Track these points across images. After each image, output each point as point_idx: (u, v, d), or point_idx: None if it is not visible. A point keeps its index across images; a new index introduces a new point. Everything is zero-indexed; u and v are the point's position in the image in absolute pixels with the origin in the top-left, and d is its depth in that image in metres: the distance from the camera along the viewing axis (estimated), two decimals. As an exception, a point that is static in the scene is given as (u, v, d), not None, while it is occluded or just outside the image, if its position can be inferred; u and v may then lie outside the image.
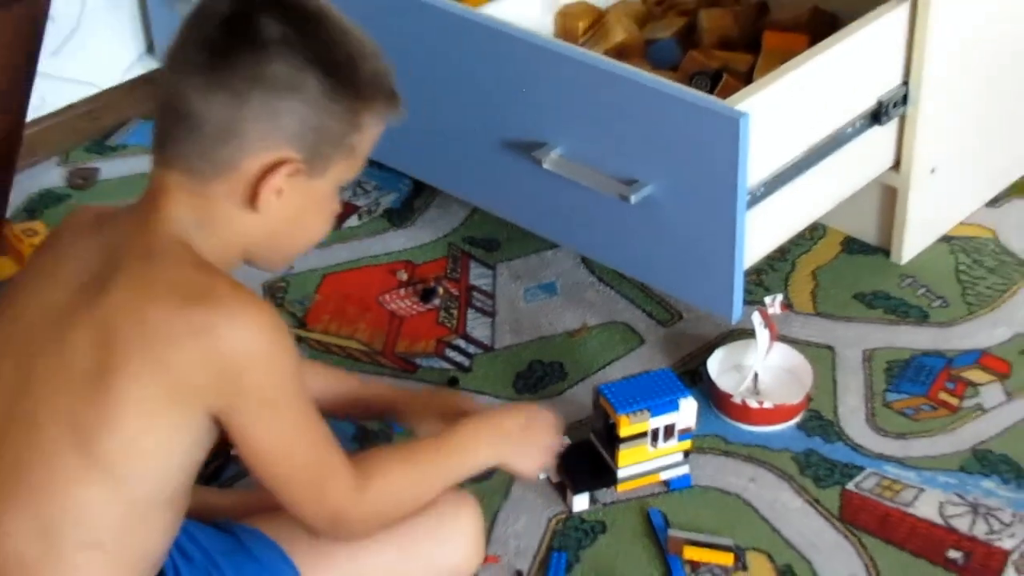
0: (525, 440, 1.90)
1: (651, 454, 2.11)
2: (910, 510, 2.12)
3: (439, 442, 1.82)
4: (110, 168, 2.87)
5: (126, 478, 1.55)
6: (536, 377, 2.35)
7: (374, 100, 1.61)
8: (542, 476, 2.15)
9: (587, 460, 2.13)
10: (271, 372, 1.57)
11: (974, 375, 2.34)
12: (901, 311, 2.47)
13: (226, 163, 1.56)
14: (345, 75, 1.58)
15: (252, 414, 1.58)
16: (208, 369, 1.53)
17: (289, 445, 1.62)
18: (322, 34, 1.58)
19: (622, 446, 2.08)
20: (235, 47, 1.54)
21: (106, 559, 1.58)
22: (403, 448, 1.82)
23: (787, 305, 2.48)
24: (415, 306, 2.51)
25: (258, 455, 1.61)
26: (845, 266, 2.57)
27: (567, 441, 2.11)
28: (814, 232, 2.63)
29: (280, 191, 1.58)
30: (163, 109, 1.59)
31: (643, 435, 2.09)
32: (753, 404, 2.23)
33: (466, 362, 2.39)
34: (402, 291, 2.54)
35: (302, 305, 2.50)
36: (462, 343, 2.43)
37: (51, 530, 1.56)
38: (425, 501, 1.77)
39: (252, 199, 1.58)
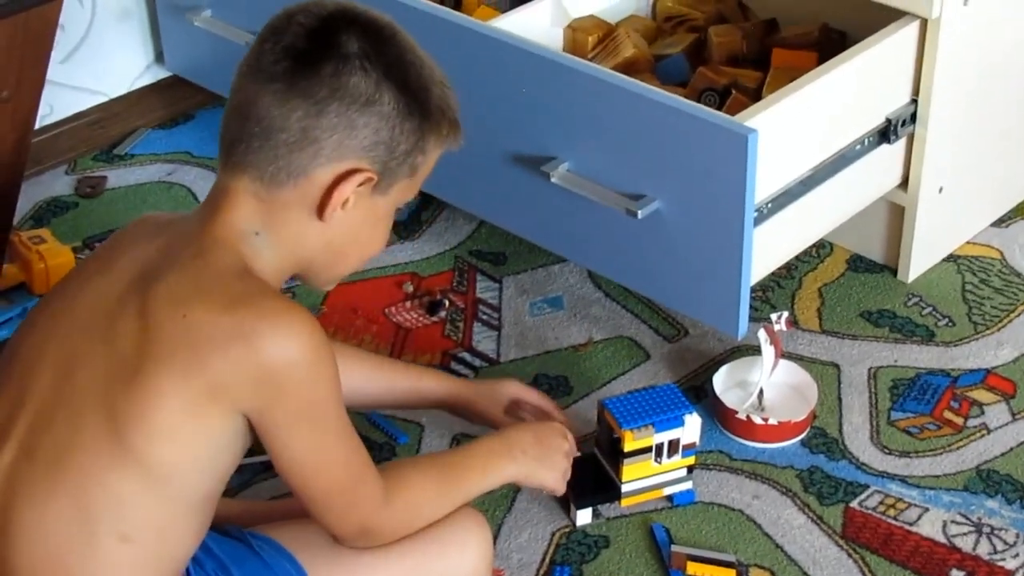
0: (543, 452, 1.94)
1: (655, 469, 2.11)
2: (913, 529, 2.11)
3: (460, 457, 1.87)
4: (118, 177, 2.87)
5: (157, 472, 1.57)
6: (541, 391, 2.34)
7: (440, 124, 1.66)
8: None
9: (591, 474, 2.13)
10: (311, 383, 1.59)
11: (979, 395, 2.34)
12: (907, 329, 2.47)
13: (299, 170, 1.59)
14: (417, 95, 1.62)
15: (289, 425, 1.60)
16: (247, 374, 1.55)
17: (324, 458, 1.64)
18: (398, 53, 1.62)
19: (626, 461, 2.08)
20: (317, 57, 1.58)
21: (135, 554, 1.59)
22: (427, 461, 1.87)
23: (793, 322, 2.48)
24: (421, 318, 2.51)
25: (292, 466, 1.63)
26: (851, 284, 2.57)
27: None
28: (820, 249, 2.63)
29: (347, 202, 1.61)
30: (234, 114, 1.62)
31: (647, 450, 2.09)
32: (758, 421, 2.23)
33: (471, 375, 2.39)
34: (408, 303, 2.54)
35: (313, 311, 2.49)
36: (468, 356, 2.43)
37: (88, 518, 1.57)
38: (444, 514, 1.81)
39: (320, 208, 1.61)
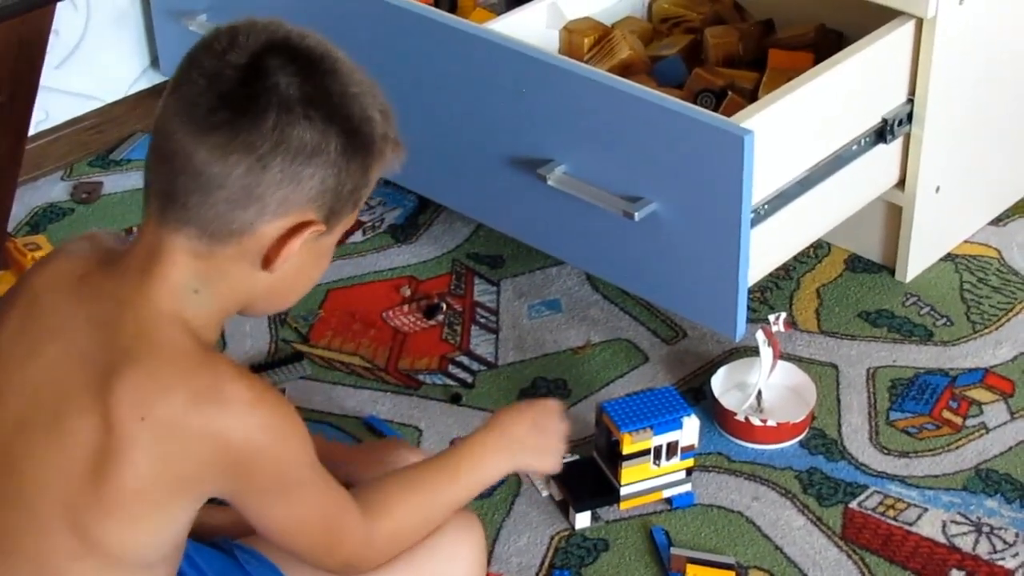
0: (539, 441, 1.88)
1: (654, 472, 2.11)
2: (913, 529, 2.11)
3: (452, 461, 1.80)
4: (114, 182, 2.87)
5: (120, 555, 1.53)
6: (540, 394, 2.34)
7: (384, 151, 1.57)
8: (545, 494, 2.15)
9: (590, 477, 2.13)
10: (279, 463, 1.55)
11: (978, 394, 2.34)
12: (905, 329, 2.47)
13: (242, 228, 1.50)
14: (361, 130, 1.53)
15: (261, 500, 1.58)
16: (214, 465, 1.51)
17: (301, 519, 1.61)
18: (339, 89, 1.52)
19: (625, 464, 2.08)
20: (257, 109, 1.47)
21: None
22: (412, 476, 1.78)
23: (791, 323, 2.47)
24: (419, 322, 2.50)
25: (270, 531, 1.61)
26: (849, 284, 2.57)
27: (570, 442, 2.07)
28: (818, 250, 2.63)
29: (296, 252, 1.53)
30: (165, 163, 1.50)
31: (646, 453, 2.08)
32: (756, 422, 2.23)
33: (469, 379, 2.39)
34: (406, 307, 2.54)
35: (306, 321, 2.49)
36: (466, 360, 2.43)
37: None
38: (438, 524, 1.77)
39: (267, 262, 1.53)
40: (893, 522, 2.12)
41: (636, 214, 2.16)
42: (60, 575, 1.54)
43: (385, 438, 2.23)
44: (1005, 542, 2.09)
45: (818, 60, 2.35)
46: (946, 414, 2.30)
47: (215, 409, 1.49)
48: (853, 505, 2.15)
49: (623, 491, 2.11)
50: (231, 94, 1.47)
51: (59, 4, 2.30)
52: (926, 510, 2.14)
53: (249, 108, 1.47)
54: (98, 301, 1.54)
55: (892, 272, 2.58)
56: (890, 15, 2.33)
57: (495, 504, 2.14)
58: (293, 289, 1.61)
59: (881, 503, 2.15)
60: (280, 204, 1.49)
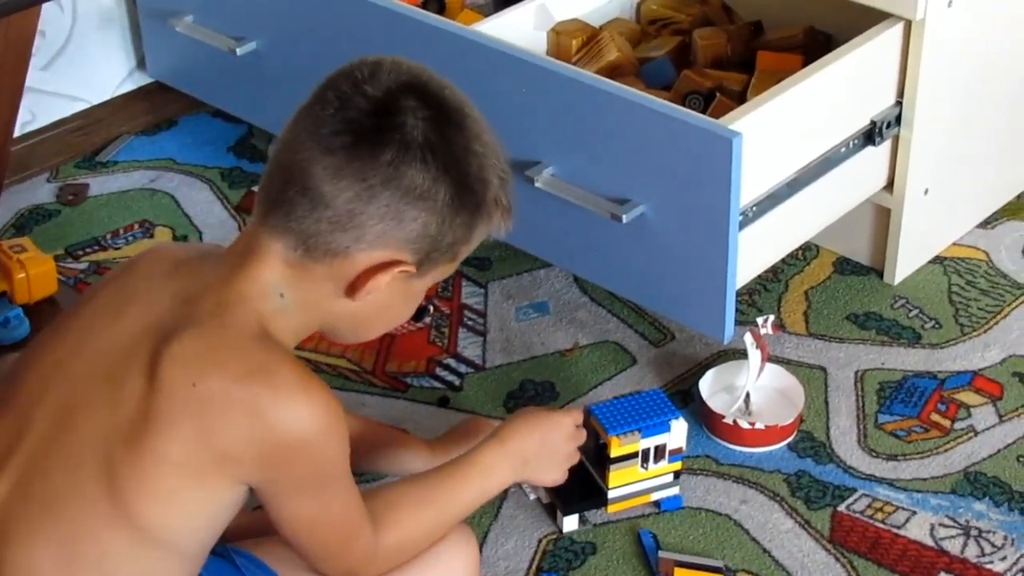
0: (544, 458, 1.93)
1: (642, 475, 2.10)
2: (901, 532, 2.11)
3: (460, 473, 1.84)
4: (100, 184, 2.86)
5: (151, 533, 1.55)
6: (527, 397, 2.34)
7: (492, 215, 1.62)
8: (532, 497, 2.14)
9: (577, 481, 2.11)
10: (319, 458, 1.57)
11: (966, 397, 2.33)
12: (893, 332, 2.46)
13: (337, 250, 1.54)
14: (474, 189, 1.58)
15: (292, 493, 1.59)
16: (256, 447, 1.52)
17: (320, 517, 1.63)
18: (463, 143, 1.56)
19: (613, 467, 2.08)
20: (378, 140, 1.52)
21: None
22: (418, 486, 1.81)
23: (779, 326, 2.47)
24: (406, 325, 2.50)
25: (287, 523, 1.62)
26: (837, 287, 2.56)
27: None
28: (806, 252, 2.63)
29: (381, 287, 1.57)
30: (280, 172, 1.56)
31: (634, 456, 2.08)
32: (744, 425, 2.22)
33: (457, 381, 2.38)
34: (393, 309, 2.53)
35: (292, 323, 2.48)
36: (453, 362, 2.42)
37: (73, 564, 1.55)
38: (440, 537, 1.79)
39: (352, 289, 1.57)
40: (881, 525, 2.12)
41: (624, 216, 2.15)
42: (94, 541, 1.55)
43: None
44: (994, 545, 2.09)
45: (807, 62, 2.34)
46: (934, 417, 2.30)
47: (265, 390, 1.51)
48: (841, 508, 2.15)
49: (611, 494, 2.10)
50: (357, 121, 1.53)
51: (45, 5, 2.29)
52: (914, 513, 2.14)
53: (371, 139, 1.52)
54: (187, 281, 1.59)
55: (881, 274, 2.57)
56: (879, 17, 2.32)
57: (482, 508, 2.12)
58: (375, 323, 1.65)
59: (869, 506, 2.15)
60: (378, 236, 1.54)
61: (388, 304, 1.62)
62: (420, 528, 1.76)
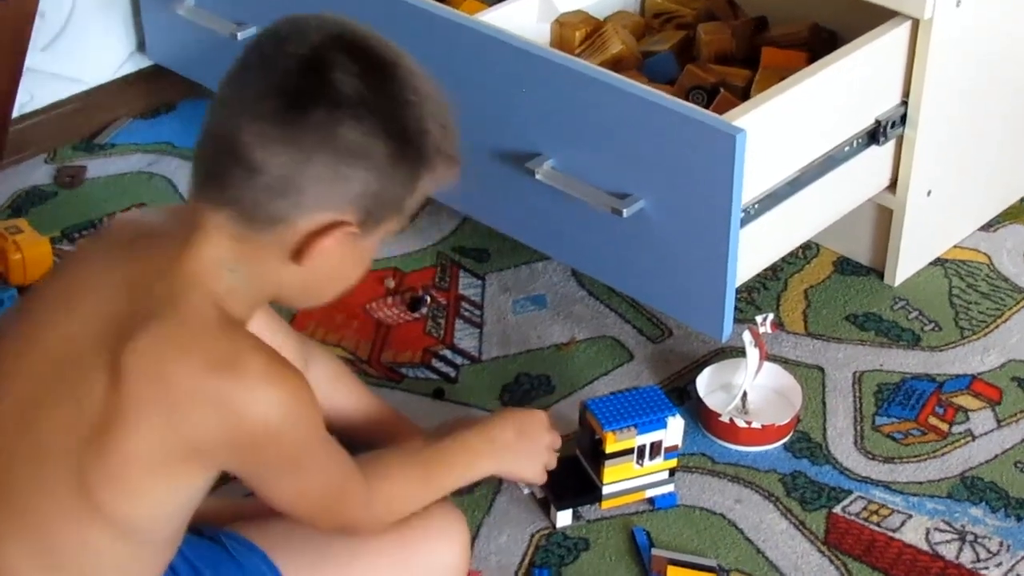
0: (524, 448, 1.94)
1: (637, 471, 2.09)
2: (896, 535, 2.10)
3: (442, 448, 1.86)
4: (98, 167, 2.84)
5: (125, 525, 1.54)
6: (523, 390, 2.33)
7: (435, 166, 1.57)
8: (526, 491, 2.13)
9: (572, 476, 2.11)
10: (291, 443, 1.56)
11: (965, 400, 2.32)
12: (893, 334, 2.45)
13: (278, 216, 1.50)
14: (413, 140, 1.52)
15: (269, 476, 1.59)
16: (225, 438, 1.51)
17: (304, 491, 1.62)
18: (396, 93, 1.51)
19: (607, 463, 2.06)
20: (308, 102, 1.47)
21: None
22: (409, 454, 1.84)
23: (778, 325, 2.46)
24: (403, 315, 2.49)
25: (273, 500, 1.62)
26: (837, 287, 2.55)
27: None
28: (807, 251, 2.61)
29: (327, 249, 1.53)
30: (215, 144, 1.52)
31: (629, 452, 2.07)
32: (741, 424, 2.21)
33: (452, 373, 2.37)
34: (390, 300, 2.52)
35: (288, 312, 2.47)
36: (449, 353, 2.41)
37: (51, 560, 1.54)
38: (425, 503, 1.81)
39: (298, 255, 1.53)
40: (876, 528, 2.11)
41: (624, 211, 2.14)
42: (67, 539, 1.54)
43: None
44: (989, 551, 2.07)
45: (812, 59, 2.33)
46: (932, 420, 2.29)
47: (230, 378, 1.49)
48: (837, 510, 2.13)
49: (605, 490, 2.09)
50: (283, 83, 1.48)
51: (45, -14, 2.28)
52: (910, 517, 2.12)
53: (299, 100, 1.47)
54: (137, 265, 1.55)
55: (881, 275, 2.56)
56: (886, 15, 2.31)
57: (476, 501, 2.12)
58: (327, 286, 1.61)
59: (865, 508, 2.14)
60: (318, 199, 1.50)
61: (338, 266, 1.58)
62: (410, 486, 1.78)
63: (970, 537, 2.10)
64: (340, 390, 2.06)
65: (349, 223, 1.52)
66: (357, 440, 2.05)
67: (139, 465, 1.50)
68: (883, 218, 2.51)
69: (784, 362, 2.37)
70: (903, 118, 2.37)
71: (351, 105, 1.48)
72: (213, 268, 1.53)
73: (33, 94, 2.85)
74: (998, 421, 2.29)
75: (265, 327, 1.80)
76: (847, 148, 2.30)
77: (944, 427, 2.27)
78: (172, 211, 1.65)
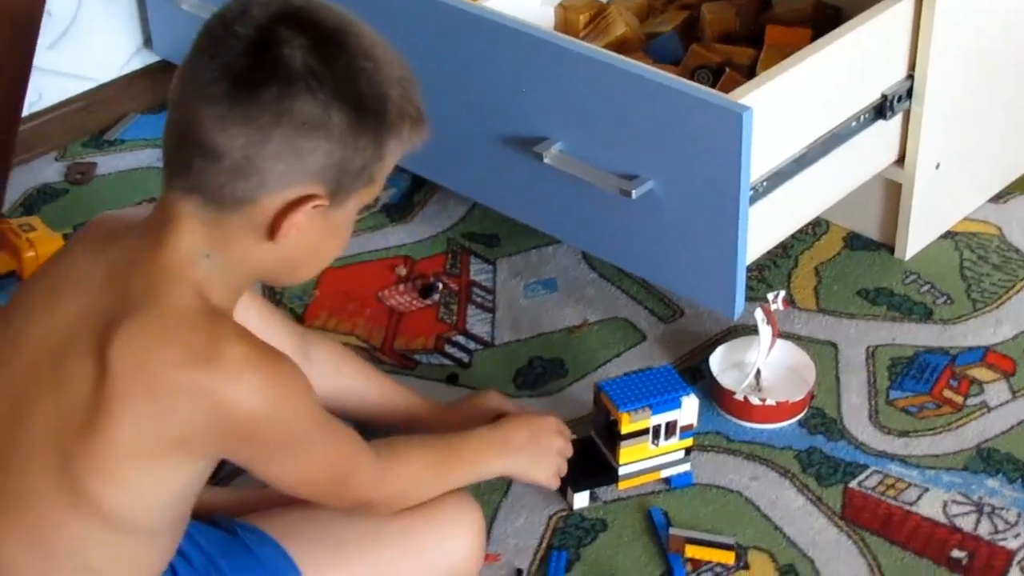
0: (536, 450, 1.97)
1: (652, 452, 2.10)
2: (913, 509, 2.10)
3: (455, 446, 1.89)
4: (108, 163, 2.85)
5: (119, 516, 1.54)
6: (536, 374, 2.33)
7: (400, 128, 1.56)
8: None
9: (588, 457, 2.11)
10: (281, 428, 1.56)
11: (979, 373, 2.32)
12: (905, 308, 2.45)
13: (245, 198, 1.50)
14: (372, 106, 1.51)
15: (265, 461, 1.60)
16: (211, 428, 1.51)
17: (306, 473, 1.63)
18: (349, 61, 1.50)
19: (623, 443, 2.07)
20: (258, 80, 1.46)
21: None
22: (425, 441, 1.87)
23: (789, 301, 2.46)
24: (414, 302, 2.49)
25: (277, 484, 1.64)
26: (848, 262, 2.55)
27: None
28: (817, 228, 2.61)
29: (300, 225, 1.53)
30: (174, 132, 1.52)
31: (644, 432, 2.07)
32: (755, 401, 2.21)
33: (466, 358, 2.37)
34: (401, 287, 2.52)
35: (301, 301, 2.48)
36: (462, 339, 2.41)
37: (50, 556, 1.55)
38: (436, 492, 1.82)
39: (271, 233, 1.53)
40: (893, 502, 2.11)
41: (633, 192, 2.14)
42: (58, 531, 1.54)
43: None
44: (1007, 522, 2.08)
45: (816, 36, 2.33)
46: (947, 393, 2.29)
47: (208, 369, 1.49)
48: (853, 485, 2.14)
49: (621, 471, 2.09)
50: (232, 66, 1.47)
51: (51, -17, 2.29)
52: (927, 490, 2.13)
53: (250, 79, 1.47)
54: (117, 258, 1.56)
55: (891, 250, 2.56)
56: (889, -10, 2.31)
57: (492, 484, 2.12)
58: (307, 262, 1.61)
59: (881, 483, 2.14)
60: (282, 176, 1.49)
61: (314, 241, 1.57)
62: (425, 467, 1.81)
63: (987, 509, 2.10)
64: (346, 373, 2.06)
65: (318, 196, 1.52)
66: (375, 423, 2.07)
67: (126, 455, 1.50)
68: (892, 192, 2.51)
69: (797, 339, 2.37)
70: (909, 92, 2.36)
71: (302, 79, 1.47)
72: (189, 256, 1.53)
73: (41, 92, 2.86)
74: (1013, 392, 2.29)
75: (258, 318, 1.81)
76: (854, 123, 2.30)
77: (959, 400, 2.28)
78: (152, 205, 1.65)
